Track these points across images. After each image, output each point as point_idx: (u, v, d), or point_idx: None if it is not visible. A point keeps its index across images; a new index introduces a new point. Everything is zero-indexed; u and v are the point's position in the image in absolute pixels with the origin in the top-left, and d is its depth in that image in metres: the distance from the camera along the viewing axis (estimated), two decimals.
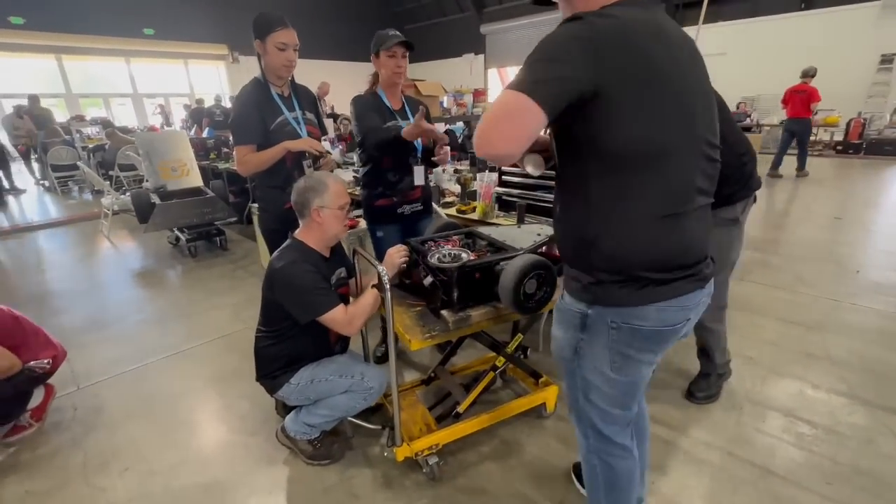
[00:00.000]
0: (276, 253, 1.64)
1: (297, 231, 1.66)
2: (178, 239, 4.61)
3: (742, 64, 10.60)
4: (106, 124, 8.44)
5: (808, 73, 6.81)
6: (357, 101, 2.11)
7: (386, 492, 1.64)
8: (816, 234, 4.45)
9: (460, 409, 1.76)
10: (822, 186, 6.70)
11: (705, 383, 2.06)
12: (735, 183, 1.71)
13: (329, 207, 1.57)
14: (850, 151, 8.93)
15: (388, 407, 1.86)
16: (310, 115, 2.11)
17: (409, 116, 2.19)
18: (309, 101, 2.15)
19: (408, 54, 2.05)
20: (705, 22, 7.17)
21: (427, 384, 2.08)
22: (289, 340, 1.66)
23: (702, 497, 1.57)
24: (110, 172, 6.81)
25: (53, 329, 2.13)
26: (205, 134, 7.72)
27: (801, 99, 6.77)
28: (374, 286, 1.54)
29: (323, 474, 1.72)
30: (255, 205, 2.12)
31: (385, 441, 1.83)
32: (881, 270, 3.41)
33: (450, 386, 1.92)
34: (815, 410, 1.97)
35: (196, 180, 4.64)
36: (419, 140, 2.16)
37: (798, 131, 6.97)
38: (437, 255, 1.53)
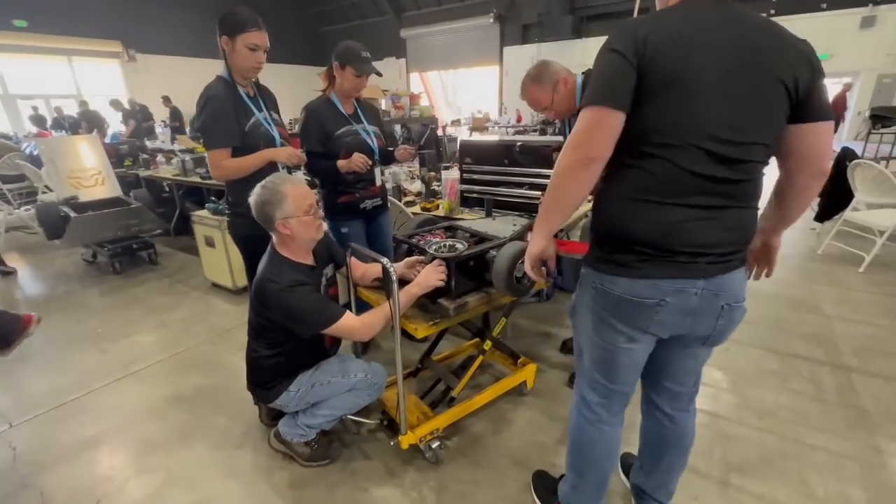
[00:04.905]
0: (264, 270, 1.51)
1: (275, 244, 1.56)
2: (94, 255, 4.14)
3: None
4: None
5: None
6: (305, 113, 2.17)
7: (392, 480, 1.69)
8: None
9: (454, 393, 1.86)
10: None
11: None
12: None
13: (294, 216, 1.45)
14: None
15: (381, 401, 1.90)
16: (276, 116, 2.08)
17: (363, 119, 2.26)
18: (272, 101, 2.11)
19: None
20: None
21: (414, 375, 2.14)
22: (284, 354, 1.61)
23: None
24: None
25: None
26: (107, 140, 6.96)
27: None
28: (375, 281, 1.58)
29: (325, 473, 1.72)
30: (228, 212, 2.02)
31: (379, 434, 1.87)
32: None
33: (440, 374, 2.01)
34: None
35: (114, 190, 4.20)
36: (375, 143, 2.26)
37: None
38: (434, 246, 1.61)
